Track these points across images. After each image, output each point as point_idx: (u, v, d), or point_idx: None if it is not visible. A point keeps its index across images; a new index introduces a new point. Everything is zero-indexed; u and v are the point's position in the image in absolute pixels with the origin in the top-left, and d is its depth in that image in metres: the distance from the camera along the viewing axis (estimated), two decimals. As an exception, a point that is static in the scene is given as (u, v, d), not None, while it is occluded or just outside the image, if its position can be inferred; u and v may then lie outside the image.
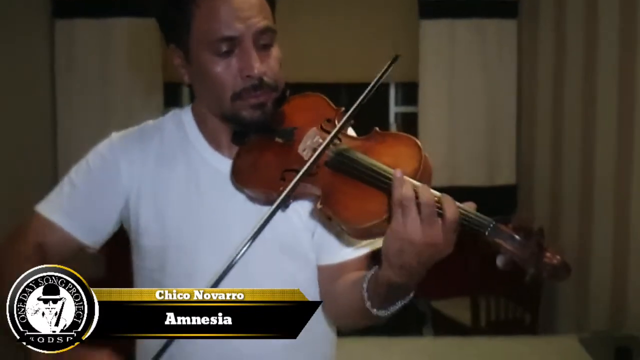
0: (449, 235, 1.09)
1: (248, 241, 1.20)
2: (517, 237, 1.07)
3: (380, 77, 1.34)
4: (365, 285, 1.22)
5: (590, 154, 3.57)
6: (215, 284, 1.18)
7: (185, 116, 1.45)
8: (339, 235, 1.39)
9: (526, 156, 4.50)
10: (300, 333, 1.40)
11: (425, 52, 4.46)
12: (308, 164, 1.23)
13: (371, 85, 1.32)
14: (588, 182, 3.60)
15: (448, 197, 1.10)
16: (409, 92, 4.74)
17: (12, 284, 1.19)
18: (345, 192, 1.21)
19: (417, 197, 1.08)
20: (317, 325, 1.45)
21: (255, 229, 1.20)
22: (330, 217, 1.21)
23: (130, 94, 4.36)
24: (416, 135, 4.49)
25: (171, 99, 4.56)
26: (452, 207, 1.08)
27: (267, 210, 1.24)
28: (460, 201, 1.14)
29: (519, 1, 4.50)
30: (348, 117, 1.28)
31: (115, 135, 1.44)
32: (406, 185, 1.09)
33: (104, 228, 1.41)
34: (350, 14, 4.52)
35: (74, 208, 1.38)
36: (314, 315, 1.42)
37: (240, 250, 1.19)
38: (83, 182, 1.40)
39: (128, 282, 1.53)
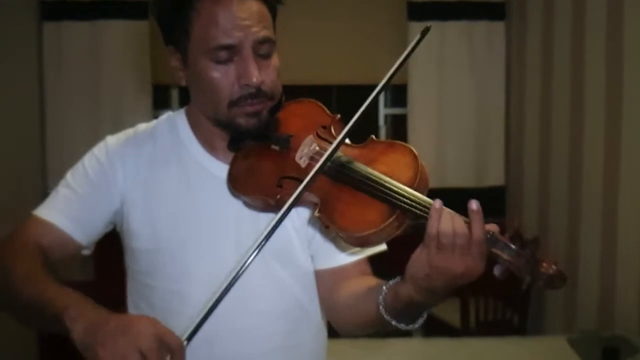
0: (480, 260, 1.10)
1: (254, 251, 1.19)
2: (513, 246, 1.08)
3: (412, 51, 1.35)
4: (382, 299, 1.22)
5: (578, 156, 3.59)
6: (222, 296, 1.17)
7: (179, 119, 1.46)
8: (336, 240, 1.40)
9: (515, 158, 4.51)
10: (291, 336, 1.41)
11: (414, 54, 4.44)
12: (311, 174, 1.23)
13: (400, 63, 1.33)
14: (576, 184, 3.62)
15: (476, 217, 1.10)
16: (399, 94, 4.74)
17: (22, 273, 1.23)
18: (343, 200, 1.22)
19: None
20: (307, 329, 1.45)
21: (261, 240, 1.20)
22: (327, 225, 1.22)
23: (119, 96, 4.34)
24: (405, 136, 4.53)
25: (160, 102, 4.55)
26: (478, 230, 1.08)
27: (269, 219, 1.27)
28: (449, 203, 1.15)
29: (506, 3, 4.52)
30: (349, 129, 1.28)
31: (110, 139, 1.45)
32: (444, 218, 1.10)
33: (98, 228, 1.42)
34: (339, 16, 4.52)
35: (70, 209, 1.38)
36: (304, 319, 1.44)
37: (247, 260, 1.19)
38: (79, 185, 1.40)
39: (117, 285, 1.53)
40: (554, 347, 2.98)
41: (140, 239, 1.38)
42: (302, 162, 1.30)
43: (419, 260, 1.12)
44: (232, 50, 1.28)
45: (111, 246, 1.48)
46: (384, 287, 1.22)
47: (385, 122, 4.87)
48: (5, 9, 3.95)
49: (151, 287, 1.39)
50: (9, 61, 3.96)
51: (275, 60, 1.34)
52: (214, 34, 1.27)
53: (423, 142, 4.43)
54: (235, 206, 1.36)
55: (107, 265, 1.51)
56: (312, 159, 1.29)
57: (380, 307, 1.21)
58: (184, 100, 4.66)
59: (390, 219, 1.16)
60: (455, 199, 1.26)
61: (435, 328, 4.07)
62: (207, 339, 1.26)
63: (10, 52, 4.00)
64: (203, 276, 1.34)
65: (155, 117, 1.54)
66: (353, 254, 1.42)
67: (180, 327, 1.19)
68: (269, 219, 1.32)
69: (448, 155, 4.52)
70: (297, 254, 1.41)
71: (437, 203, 1.11)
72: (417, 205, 1.14)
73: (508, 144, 4.60)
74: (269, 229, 1.20)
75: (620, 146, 3.18)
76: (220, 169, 1.38)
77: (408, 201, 1.15)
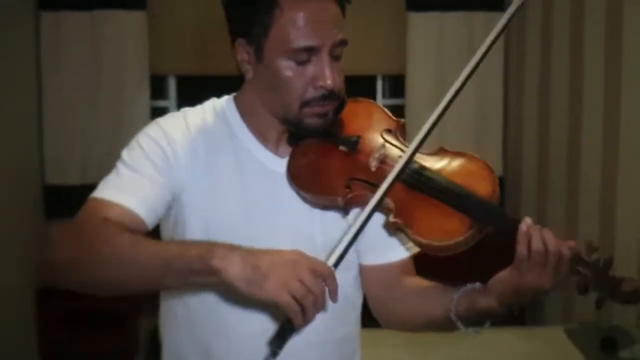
0: (562, 277, 1.17)
1: (349, 245, 1.21)
2: (594, 266, 1.16)
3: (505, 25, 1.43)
4: (454, 305, 1.28)
5: (576, 147, 3.59)
6: (337, 262, 1.19)
7: (228, 108, 1.43)
8: (384, 236, 1.42)
9: (513, 149, 4.51)
10: (338, 329, 1.43)
11: (412, 45, 4.45)
12: (391, 177, 1.24)
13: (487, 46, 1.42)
14: (574, 175, 3.62)
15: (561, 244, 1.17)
16: (397, 85, 4.74)
17: (125, 240, 1.19)
18: (421, 208, 1.24)
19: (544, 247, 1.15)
20: (352, 322, 1.50)
21: (351, 236, 1.21)
22: (403, 230, 1.24)
23: (118, 86, 4.32)
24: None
25: (158, 92, 4.54)
26: (565, 250, 1.15)
27: (326, 215, 1.34)
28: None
29: (506, -7, 4.51)
30: (426, 134, 1.33)
31: (163, 123, 1.40)
32: (535, 237, 1.15)
33: (162, 212, 1.36)
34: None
35: (139, 191, 1.31)
36: (351, 312, 1.45)
37: (343, 254, 1.20)
38: (143, 167, 1.34)
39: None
40: (552, 338, 2.99)
41: (193, 229, 1.36)
42: (373, 166, 1.32)
43: (507, 277, 1.18)
44: (312, 52, 1.28)
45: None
46: (456, 295, 1.29)
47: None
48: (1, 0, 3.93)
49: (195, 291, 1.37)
50: (6, 51, 3.94)
51: (342, 62, 1.35)
52: (296, 36, 1.27)
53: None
54: (292, 201, 1.36)
55: None
56: (382, 163, 1.31)
57: (452, 314, 1.28)
58: (181, 91, 4.66)
59: (471, 231, 1.19)
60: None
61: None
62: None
63: (8, 43, 3.97)
64: None
65: (153, 108, 1.53)
66: (408, 249, 1.44)
67: (214, 325, 1.32)
68: (327, 215, 1.36)
69: (446, 146, 4.47)
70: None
71: (525, 225, 1.16)
72: (497, 221, 1.20)
73: (506, 136, 4.59)
74: (350, 235, 1.21)
75: (618, 138, 3.18)
76: (273, 162, 1.38)
77: (489, 215, 1.20)
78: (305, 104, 1.31)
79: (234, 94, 1.46)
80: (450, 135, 4.52)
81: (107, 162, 1.44)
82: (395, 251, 1.44)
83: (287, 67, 1.29)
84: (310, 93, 1.30)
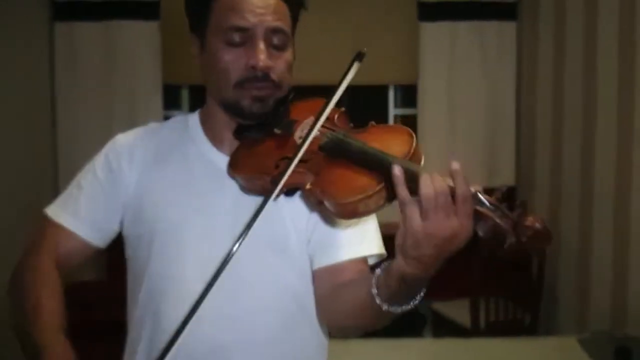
0: (467, 220, 1.06)
1: (243, 232, 1.20)
2: (498, 204, 1.06)
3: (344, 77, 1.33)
4: (374, 282, 1.18)
5: (590, 156, 3.58)
6: (212, 282, 1.19)
7: (191, 117, 1.51)
8: (336, 236, 1.40)
9: (526, 158, 4.50)
10: (286, 330, 1.40)
11: (424, 54, 4.46)
12: (302, 144, 1.26)
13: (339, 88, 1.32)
14: (588, 183, 3.61)
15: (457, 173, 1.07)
16: (409, 94, 4.74)
17: (35, 301, 1.29)
18: (336, 172, 1.24)
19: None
20: (303, 325, 1.43)
21: (250, 218, 1.21)
22: (317, 197, 1.23)
23: (131, 96, 4.36)
24: (416, 136, 4.50)
25: (171, 102, 4.57)
26: (462, 186, 1.06)
27: (260, 200, 1.25)
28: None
29: (518, 3, 4.51)
30: (339, 87, 1.31)
31: (119, 136, 1.50)
32: (423, 180, 1.06)
33: (110, 227, 1.44)
34: (350, 16, 4.52)
35: (80, 209, 1.42)
36: (300, 312, 1.43)
37: (236, 243, 1.20)
38: (88, 183, 1.44)
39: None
40: (565, 348, 2.97)
41: (138, 224, 1.41)
42: (299, 140, 1.32)
43: (403, 228, 1.08)
44: (245, 34, 1.33)
45: (123, 246, 1.49)
46: (376, 271, 1.19)
47: (395, 122, 4.87)
48: (16, 9, 3.97)
49: (148, 273, 1.39)
50: (21, 62, 3.98)
51: (288, 55, 1.39)
52: (229, 16, 1.33)
53: (433, 142, 4.43)
54: (234, 192, 1.38)
55: (118, 265, 1.51)
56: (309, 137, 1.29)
57: (373, 290, 1.17)
58: (194, 100, 4.69)
59: (379, 186, 1.16)
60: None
61: (445, 328, 4.07)
62: (196, 323, 1.23)
63: (22, 53, 4.01)
64: (197, 260, 1.35)
65: (166, 117, 1.58)
66: (352, 249, 1.40)
67: (175, 311, 1.25)
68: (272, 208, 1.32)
69: (458, 155, 4.49)
70: (292, 246, 1.40)
71: (396, 169, 1.08)
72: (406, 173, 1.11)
73: (519, 144, 4.58)
74: (260, 204, 1.22)
75: (632, 146, 3.17)
76: (223, 161, 1.41)
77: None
78: (239, 84, 1.34)
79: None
80: (462, 144, 4.52)
81: (121, 171, 1.47)
82: (340, 252, 1.39)
83: (222, 49, 1.35)
84: (244, 74, 1.34)
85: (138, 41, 4.33)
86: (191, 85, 4.64)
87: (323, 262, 1.41)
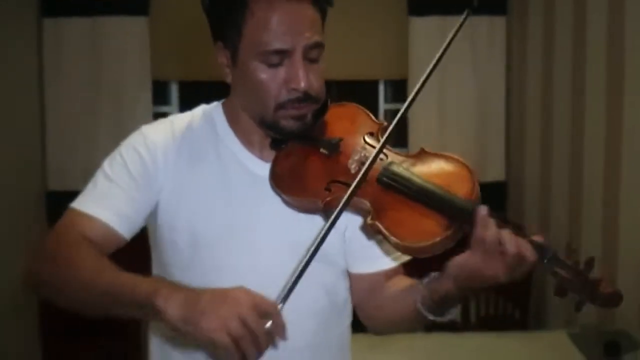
0: (522, 275, 1.17)
1: (312, 252, 1.19)
2: (573, 267, 1.14)
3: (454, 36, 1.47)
4: (420, 296, 1.26)
5: (579, 150, 3.58)
6: (286, 297, 1.16)
7: (216, 113, 1.45)
8: (379, 244, 1.41)
9: (516, 153, 4.51)
10: (321, 334, 1.42)
11: (414, 49, 4.45)
12: (360, 175, 1.24)
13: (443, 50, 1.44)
14: (577, 179, 3.61)
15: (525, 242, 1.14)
16: (398, 89, 4.74)
17: (89, 265, 1.22)
18: (398, 209, 1.23)
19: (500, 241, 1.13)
20: (337, 327, 1.48)
21: (318, 240, 1.19)
22: (381, 232, 1.23)
23: (119, 92, 4.33)
24: (405, 131, 4.52)
25: (160, 98, 4.54)
26: (528, 253, 1.13)
27: (307, 218, 1.33)
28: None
29: (508, -2, 4.51)
30: (393, 127, 1.33)
31: (147, 130, 1.43)
32: (490, 228, 1.13)
33: (140, 221, 1.39)
34: (339, 11, 4.50)
35: (114, 203, 1.35)
36: (335, 317, 1.45)
37: (305, 261, 1.18)
38: (120, 178, 1.37)
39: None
40: (555, 342, 2.98)
41: (179, 232, 1.37)
42: (353, 168, 1.31)
43: (462, 263, 1.17)
44: (284, 55, 1.28)
45: (139, 243, 1.46)
46: (421, 285, 1.27)
47: (385, 117, 4.86)
48: (4, 5, 3.94)
49: (187, 280, 1.34)
50: (8, 58, 3.95)
51: (322, 64, 1.35)
52: (267, 38, 1.27)
53: (423, 137, 4.43)
54: (274, 204, 1.36)
55: (137, 261, 1.48)
56: (363, 164, 1.29)
57: (418, 304, 1.26)
58: (183, 96, 4.66)
59: (450, 231, 1.17)
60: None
61: (436, 323, 4.07)
62: None
63: (10, 49, 3.99)
64: (237, 272, 1.33)
65: (156, 113, 1.54)
66: (396, 258, 1.43)
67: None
68: (308, 218, 1.35)
69: (448, 150, 4.39)
70: (333, 254, 1.41)
71: (483, 210, 1.14)
72: (470, 219, 1.17)
73: (509, 139, 4.59)
74: (323, 231, 1.19)
75: (621, 141, 3.18)
76: (257, 166, 1.39)
77: (464, 214, 1.17)
78: (280, 106, 1.30)
79: (223, 99, 1.48)
80: (452, 139, 4.53)
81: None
82: (382, 261, 1.43)
83: (260, 70, 1.29)
84: (284, 95, 1.30)
85: (127, 37, 4.30)
86: (180, 81, 4.62)
87: (363, 269, 1.44)
